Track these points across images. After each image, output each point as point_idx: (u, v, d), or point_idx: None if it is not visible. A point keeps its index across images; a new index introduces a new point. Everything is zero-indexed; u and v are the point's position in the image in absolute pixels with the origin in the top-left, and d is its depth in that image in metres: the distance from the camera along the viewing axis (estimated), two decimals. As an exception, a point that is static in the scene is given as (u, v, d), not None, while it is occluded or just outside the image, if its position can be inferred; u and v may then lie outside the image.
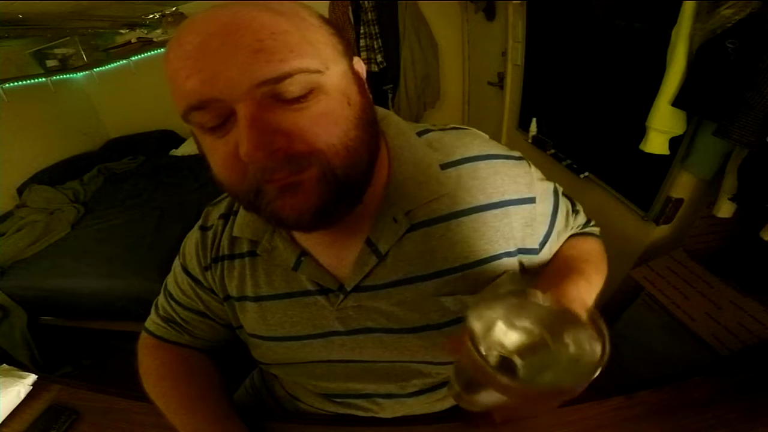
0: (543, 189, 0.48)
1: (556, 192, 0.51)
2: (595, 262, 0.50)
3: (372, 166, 0.40)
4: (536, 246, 0.48)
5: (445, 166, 0.45)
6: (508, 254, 0.46)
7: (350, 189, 0.37)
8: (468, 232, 0.44)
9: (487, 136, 0.51)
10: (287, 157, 0.33)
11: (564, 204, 0.52)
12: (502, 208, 0.45)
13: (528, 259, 0.48)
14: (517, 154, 0.49)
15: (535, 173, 0.49)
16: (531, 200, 0.46)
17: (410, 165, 0.44)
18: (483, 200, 0.45)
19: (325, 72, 0.34)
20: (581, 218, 0.56)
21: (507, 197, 0.45)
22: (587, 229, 0.57)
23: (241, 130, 0.31)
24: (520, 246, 0.47)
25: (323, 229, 0.38)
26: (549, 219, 0.49)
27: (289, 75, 0.31)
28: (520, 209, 0.46)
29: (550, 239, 0.49)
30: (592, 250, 0.53)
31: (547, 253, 0.50)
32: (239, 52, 0.31)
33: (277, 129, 0.32)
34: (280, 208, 0.35)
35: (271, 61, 0.31)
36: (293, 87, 0.32)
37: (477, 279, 0.45)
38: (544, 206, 0.48)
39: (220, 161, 0.35)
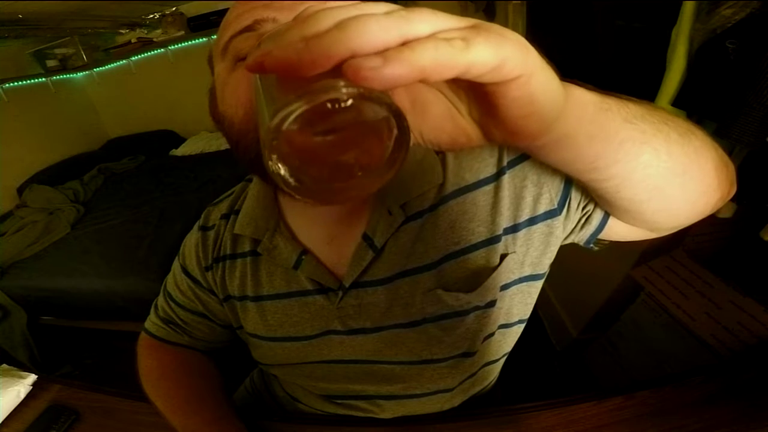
0: None
1: None
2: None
3: None
4: (554, 206, 0.41)
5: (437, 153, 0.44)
6: (508, 230, 0.43)
7: None
8: (456, 216, 0.43)
9: None
10: None
11: None
12: (494, 182, 0.42)
13: (550, 225, 0.42)
14: None
15: None
16: (525, 158, 0.41)
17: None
18: (470, 179, 0.43)
19: None
20: None
21: (496, 169, 0.42)
22: None
23: None
24: (532, 215, 0.42)
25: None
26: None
27: None
28: (512, 174, 0.42)
29: (572, 192, 0.41)
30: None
31: (574, 207, 0.42)
32: None
33: None
34: None
35: None
36: None
37: (470, 265, 0.43)
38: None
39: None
